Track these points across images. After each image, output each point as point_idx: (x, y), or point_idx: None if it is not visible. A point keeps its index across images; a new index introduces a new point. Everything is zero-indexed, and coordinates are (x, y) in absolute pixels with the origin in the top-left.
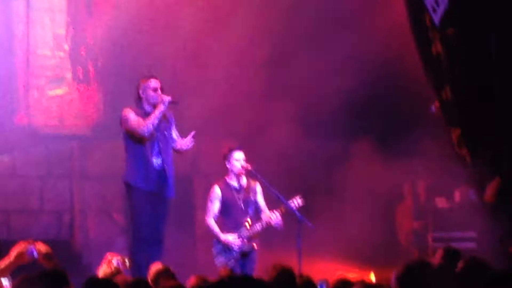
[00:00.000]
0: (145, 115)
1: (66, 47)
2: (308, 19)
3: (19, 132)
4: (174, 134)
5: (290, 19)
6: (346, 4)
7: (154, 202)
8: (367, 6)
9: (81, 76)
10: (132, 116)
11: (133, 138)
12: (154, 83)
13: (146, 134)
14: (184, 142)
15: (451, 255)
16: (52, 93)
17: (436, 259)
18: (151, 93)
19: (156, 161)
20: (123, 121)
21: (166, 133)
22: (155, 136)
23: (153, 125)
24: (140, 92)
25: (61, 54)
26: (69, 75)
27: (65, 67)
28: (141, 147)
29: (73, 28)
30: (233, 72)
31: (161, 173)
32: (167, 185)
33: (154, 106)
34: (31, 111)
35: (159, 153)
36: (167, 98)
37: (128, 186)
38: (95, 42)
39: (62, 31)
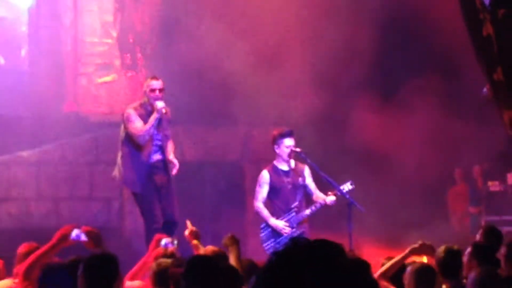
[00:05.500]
0: (147, 115)
1: (114, 34)
2: None
3: (67, 119)
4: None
5: None
6: None
7: (160, 192)
8: None
9: (129, 63)
10: (133, 119)
11: (132, 141)
12: (154, 84)
13: (142, 143)
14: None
15: (492, 234)
16: (101, 80)
17: (478, 237)
18: (151, 94)
19: (156, 158)
20: (124, 122)
21: (167, 133)
22: (154, 138)
23: (148, 134)
24: (144, 90)
25: (109, 41)
26: (117, 62)
27: (113, 54)
28: (139, 151)
29: (121, 15)
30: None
31: (162, 169)
32: (169, 178)
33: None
34: (80, 98)
35: (160, 152)
36: (160, 107)
37: (133, 193)
38: (143, 29)
39: (110, 18)
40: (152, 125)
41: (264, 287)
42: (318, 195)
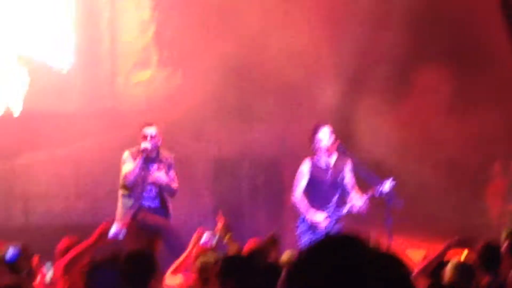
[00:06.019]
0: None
1: (151, 32)
2: None
3: (106, 118)
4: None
5: None
6: None
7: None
8: None
9: (166, 61)
10: (126, 161)
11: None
12: (145, 131)
13: (127, 185)
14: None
15: None
16: (138, 78)
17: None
18: (142, 140)
19: (147, 205)
20: (121, 164)
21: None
22: (147, 183)
23: (133, 175)
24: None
25: (146, 39)
26: (154, 60)
27: (150, 52)
28: (127, 193)
29: (158, 13)
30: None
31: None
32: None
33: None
34: (117, 97)
35: (156, 197)
36: (142, 148)
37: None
38: (180, 26)
39: (147, 17)
40: (138, 167)
41: (293, 283)
42: (353, 197)
